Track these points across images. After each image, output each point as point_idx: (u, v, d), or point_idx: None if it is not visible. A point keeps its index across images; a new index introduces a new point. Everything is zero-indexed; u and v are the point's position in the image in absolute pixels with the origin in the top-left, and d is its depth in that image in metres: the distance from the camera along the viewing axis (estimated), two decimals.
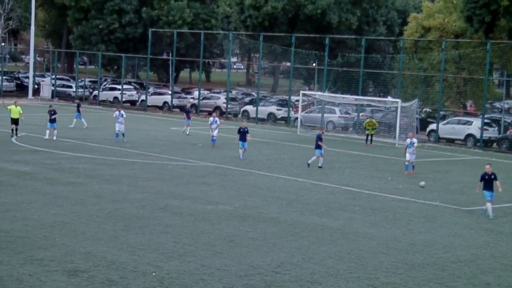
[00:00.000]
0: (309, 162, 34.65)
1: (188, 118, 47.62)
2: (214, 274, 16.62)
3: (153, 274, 16.41)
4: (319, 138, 34.80)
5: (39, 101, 71.10)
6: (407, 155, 34.48)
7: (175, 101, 68.50)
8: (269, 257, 18.33)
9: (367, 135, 47.92)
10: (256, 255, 18.48)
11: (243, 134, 36.13)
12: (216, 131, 41.21)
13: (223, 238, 20.00)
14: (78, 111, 48.47)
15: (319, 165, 34.54)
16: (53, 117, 40.58)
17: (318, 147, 34.66)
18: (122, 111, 41.97)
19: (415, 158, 34.77)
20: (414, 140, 35.12)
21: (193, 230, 20.83)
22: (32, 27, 75.57)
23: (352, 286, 16.39)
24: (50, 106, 43.32)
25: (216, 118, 41.90)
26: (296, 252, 18.91)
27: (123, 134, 41.28)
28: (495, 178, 25.04)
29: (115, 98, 72.01)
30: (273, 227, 21.77)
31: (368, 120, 49.22)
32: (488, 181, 25.00)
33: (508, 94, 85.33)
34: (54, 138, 40.28)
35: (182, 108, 65.89)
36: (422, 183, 30.90)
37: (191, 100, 68.95)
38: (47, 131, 40.71)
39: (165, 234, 20.10)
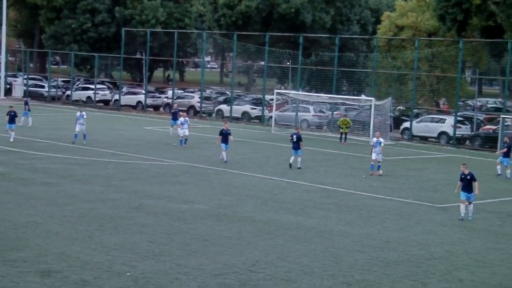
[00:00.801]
0: (295, 164, 33.91)
1: (175, 119, 45.64)
2: (189, 273, 16.57)
3: (128, 274, 16.33)
4: (300, 138, 34.36)
5: (11, 101, 70.35)
6: (373, 154, 33.50)
7: (149, 101, 68.24)
8: (244, 255, 18.32)
9: (341, 133, 48.07)
10: (231, 254, 18.46)
11: (225, 135, 35.33)
12: (187, 131, 40.75)
13: (198, 237, 19.95)
14: (27, 108, 47.86)
15: (298, 166, 33.94)
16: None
17: (298, 147, 34.13)
18: (83, 112, 40.73)
19: (382, 158, 33.79)
20: (381, 139, 34.06)
21: (168, 229, 20.76)
22: (4, 27, 74.79)
23: (327, 284, 16.42)
24: (11, 107, 42.29)
25: (187, 118, 41.53)
26: (271, 251, 18.91)
27: (84, 136, 39.94)
28: (472, 179, 24.14)
29: (88, 97, 71.57)
30: (248, 226, 21.77)
31: (342, 118, 49.36)
32: (464, 181, 24.33)
33: (480, 91, 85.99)
34: (12, 139, 39.17)
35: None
36: (380, 171, 31.83)
37: (165, 99, 68.84)
38: (12, 133, 39.54)
39: (140, 234, 20.01)
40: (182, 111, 49.78)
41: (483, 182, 32.73)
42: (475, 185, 24.22)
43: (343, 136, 47.80)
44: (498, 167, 35.34)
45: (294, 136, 34.49)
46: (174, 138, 43.11)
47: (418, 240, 21.01)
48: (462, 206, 24.22)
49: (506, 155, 35.05)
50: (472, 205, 24.35)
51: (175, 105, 51.81)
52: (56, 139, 41.29)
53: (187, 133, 40.64)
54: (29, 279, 15.67)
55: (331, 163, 37.22)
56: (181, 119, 41.39)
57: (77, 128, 40.12)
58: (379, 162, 33.56)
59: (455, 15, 56.36)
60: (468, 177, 24.19)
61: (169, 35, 76.35)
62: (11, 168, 30.48)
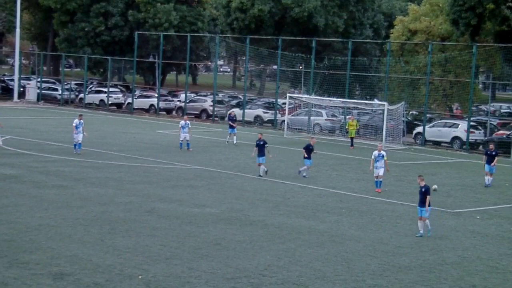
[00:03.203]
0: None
1: (232, 128, 44.27)
2: (200, 277, 16.57)
3: (140, 277, 16.35)
4: (265, 143, 32.82)
5: (24, 104, 70.79)
6: (375, 170, 29.89)
7: (162, 104, 68.37)
8: (256, 260, 18.31)
9: (351, 138, 47.48)
10: (243, 258, 18.45)
11: (309, 150, 32.75)
12: (188, 135, 40.46)
13: (209, 241, 19.95)
14: None
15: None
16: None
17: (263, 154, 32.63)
18: (82, 120, 37.58)
19: (384, 173, 30.05)
20: (383, 152, 30.22)
21: (180, 233, 20.78)
22: (18, 30, 75.20)
23: None
24: None
25: (188, 122, 41.13)
26: (283, 255, 18.89)
27: (80, 144, 37.00)
28: (426, 192, 22.07)
29: (101, 101, 71.76)
30: (260, 230, 21.75)
31: (349, 121, 49.03)
32: (419, 194, 22.34)
33: (494, 96, 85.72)
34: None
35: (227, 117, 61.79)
36: (434, 186, 29.57)
37: (178, 103, 68.90)
38: None
39: (152, 237, 20.03)
40: (196, 114, 49.39)
41: (496, 187, 32.66)
42: (427, 199, 22.05)
43: (352, 140, 47.32)
44: (486, 177, 33.45)
45: (259, 143, 32.90)
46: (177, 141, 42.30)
47: (430, 245, 20.94)
48: (419, 223, 22.19)
49: (491, 162, 33.32)
50: (427, 221, 22.17)
51: (233, 113, 47.22)
52: (69, 142, 41.30)
53: (188, 137, 40.31)
54: (41, 281, 15.72)
55: (343, 167, 37.16)
56: (182, 122, 40.99)
57: (76, 137, 37.09)
58: (381, 177, 30.04)
59: (469, 19, 56.19)
60: (423, 189, 22.22)
61: (182, 38, 76.52)
62: (24, 171, 30.58)
